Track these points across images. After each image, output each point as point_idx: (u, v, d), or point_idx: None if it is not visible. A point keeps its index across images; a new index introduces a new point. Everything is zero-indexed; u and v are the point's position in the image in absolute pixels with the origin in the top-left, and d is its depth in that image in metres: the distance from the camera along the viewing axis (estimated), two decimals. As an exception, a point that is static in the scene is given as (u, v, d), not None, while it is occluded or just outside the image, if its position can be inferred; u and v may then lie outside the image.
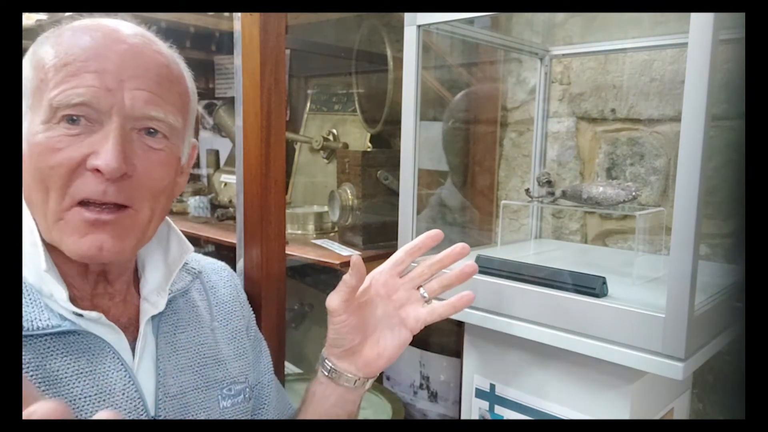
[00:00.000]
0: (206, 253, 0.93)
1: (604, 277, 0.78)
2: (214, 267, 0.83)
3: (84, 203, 0.58)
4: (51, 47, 0.59)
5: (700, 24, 0.64)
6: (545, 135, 1.28)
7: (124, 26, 0.62)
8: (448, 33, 1.05)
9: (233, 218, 1.36)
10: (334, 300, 0.73)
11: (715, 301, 0.77)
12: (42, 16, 1.92)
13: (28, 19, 1.96)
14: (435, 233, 0.78)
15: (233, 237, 1.11)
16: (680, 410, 0.95)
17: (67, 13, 0.66)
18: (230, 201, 1.60)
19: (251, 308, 0.87)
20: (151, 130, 0.61)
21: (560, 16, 1.23)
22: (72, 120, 0.57)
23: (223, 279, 0.83)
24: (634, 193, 0.91)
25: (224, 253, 1.21)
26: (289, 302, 1.43)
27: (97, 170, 0.57)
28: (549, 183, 1.03)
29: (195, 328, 0.73)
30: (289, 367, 1.52)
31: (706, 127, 0.64)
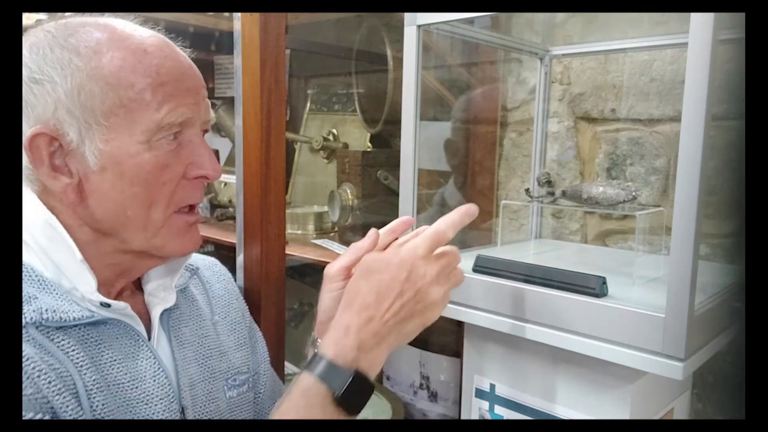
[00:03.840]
0: (207, 253, 0.93)
1: (604, 277, 0.78)
2: (206, 263, 0.85)
3: (183, 208, 0.65)
4: (130, 65, 0.59)
5: (700, 24, 0.64)
6: (545, 135, 1.28)
7: (160, 37, 0.65)
8: (448, 33, 1.05)
9: (233, 218, 1.36)
10: (334, 266, 0.70)
11: (715, 301, 0.77)
12: (42, 16, 1.92)
13: (28, 19, 1.97)
14: (407, 219, 0.77)
15: (233, 237, 1.11)
16: (680, 410, 0.95)
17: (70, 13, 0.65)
18: (230, 201, 1.60)
19: (243, 299, 0.88)
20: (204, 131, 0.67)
21: (560, 16, 1.23)
22: (173, 136, 0.62)
23: (216, 274, 0.85)
24: (634, 193, 0.91)
25: (224, 252, 1.21)
26: (288, 302, 1.43)
27: (204, 177, 0.64)
28: (549, 183, 1.03)
29: (197, 321, 0.75)
30: (289, 367, 1.52)
31: (706, 127, 0.64)
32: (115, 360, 0.61)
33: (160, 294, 0.71)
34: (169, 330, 0.70)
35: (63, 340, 0.58)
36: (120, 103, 0.59)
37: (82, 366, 0.58)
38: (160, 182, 0.61)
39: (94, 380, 0.58)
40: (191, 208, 0.66)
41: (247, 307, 0.88)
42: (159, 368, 0.65)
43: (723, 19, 0.63)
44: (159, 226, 0.63)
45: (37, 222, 0.61)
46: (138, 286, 0.72)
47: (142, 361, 0.64)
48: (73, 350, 0.58)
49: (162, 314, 0.70)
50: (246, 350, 0.81)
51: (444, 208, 1.37)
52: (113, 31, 0.61)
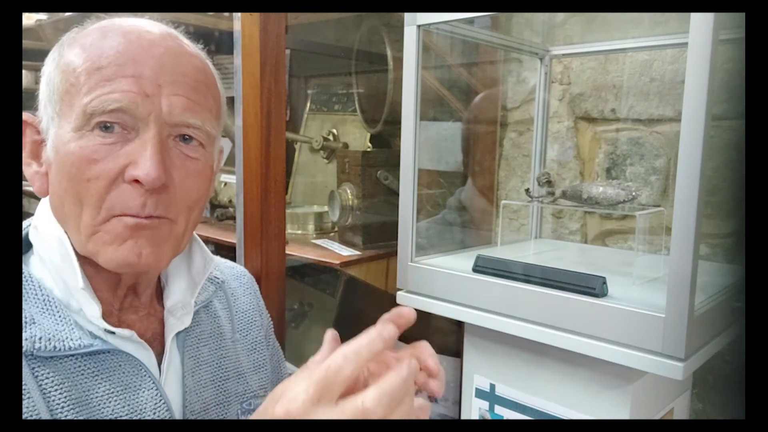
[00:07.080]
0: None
1: (604, 277, 0.78)
2: (234, 273, 0.81)
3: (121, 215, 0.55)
4: (81, 50, 0.56)
5: (700, 24, 0.64)
6: (545, 135, 1.28)
7: (156, 27, 0.59)
8: (448, 33, 1.05)
9: (233, 218, 1.36)
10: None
11: (715, 301, 0.77)
12: (42, 16, 1.92)
13: (28, 19, 1.96)
14: (405, 312, 0.53)
15: (233, 237, 1.11)
16: (680, 410, 0.95)
17: (82, 14, 0.63)
18: (230, 201, 1.60)
19: (269, 315, 0.84)
20: (187, 137, 0.59)
21: (560, 16, 1.23)
22: (106, 127, 0.54)
23: (244, 285, 0.81)
24: (634, 193, 0.91)
25: (224, 253, 1.21)
26: (288, 302, 1.43)
27: (136, 181, 0.54)
28: (549, 183, 1.03)
29: (217, 340, 0.71)
30: (289, 367, 1.52)
31: (706, 127, 0.64)
32: (112, 393, 0.57)
33: (178, 312, 0.66)
34: (183, 352, 0.65)
35: (48, 376, 0.54)
36: (65, 89, 0.55)
37: (63, 407, 0.54)
38: (84, 179, 0.54)
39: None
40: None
41: (272, 324, 0.83)
42: (161, 400, 0.60)
43: (723, 19, 0.63)
44: (90, 232, 0.55)
45: (52, 238, 0.59)
46: (161, 298, 0.68)
47: (143, 393, 0.59)
48: (56, 389, 0.54)
49: (179, 335, 0.66)
50: (264, 372, 0.76)
51: (461, 212, 1.37)
52: (103, 22, 0.58)
